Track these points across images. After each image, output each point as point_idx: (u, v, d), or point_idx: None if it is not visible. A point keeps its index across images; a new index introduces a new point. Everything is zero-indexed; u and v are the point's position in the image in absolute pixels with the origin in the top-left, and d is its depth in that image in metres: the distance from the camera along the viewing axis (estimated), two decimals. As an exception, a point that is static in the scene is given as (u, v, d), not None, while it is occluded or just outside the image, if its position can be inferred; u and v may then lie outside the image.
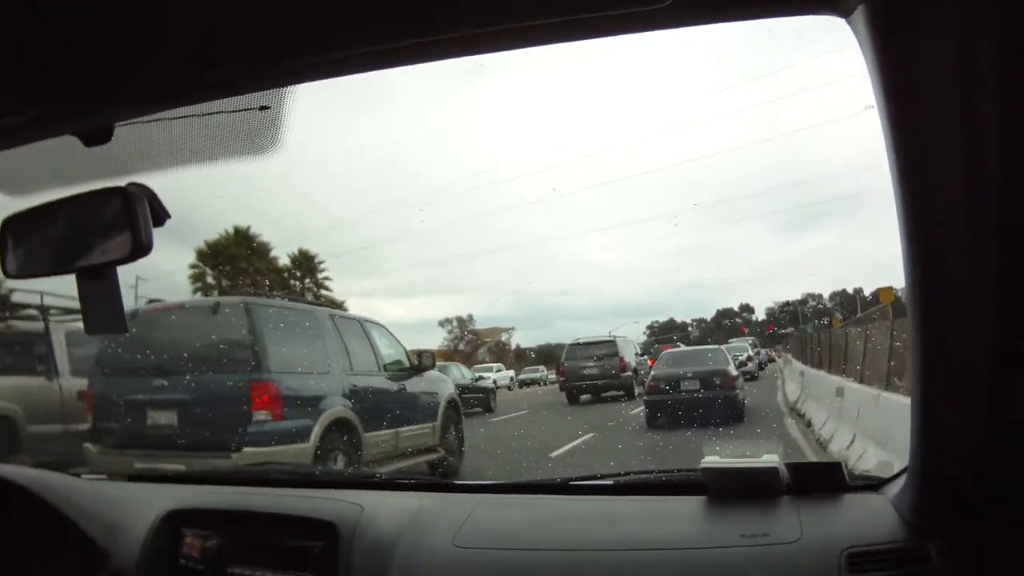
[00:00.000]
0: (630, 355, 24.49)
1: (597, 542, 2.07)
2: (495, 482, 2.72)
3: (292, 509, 2.30)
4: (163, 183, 1.65)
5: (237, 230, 48.15)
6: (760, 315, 73.10)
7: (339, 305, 43.60)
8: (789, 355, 35.10)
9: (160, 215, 1.59)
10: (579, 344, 24.71)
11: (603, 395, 23.75)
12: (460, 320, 57.30)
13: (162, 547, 2.30)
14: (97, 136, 1.61)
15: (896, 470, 2.04)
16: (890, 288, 17.25)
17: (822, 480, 2.19)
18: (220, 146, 1.70)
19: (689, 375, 16.68)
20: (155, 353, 9.48)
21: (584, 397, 23.85)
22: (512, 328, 60.89)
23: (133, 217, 1.54)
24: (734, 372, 17.24)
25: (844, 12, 1.30)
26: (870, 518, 1.97)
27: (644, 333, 48.75)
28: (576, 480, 2.60)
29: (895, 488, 2.01)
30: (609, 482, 2.54)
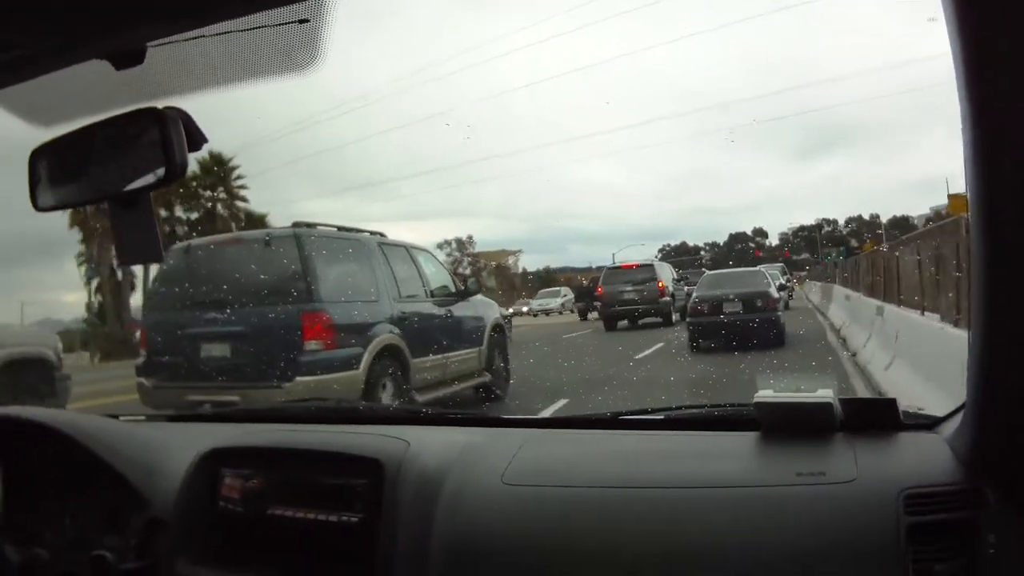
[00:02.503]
0: (668, 280, 24.29)
1: (648, 479, 2.02)
2: (543, 416, 2.68)
3: (335, 446, 2.26)
4: (195, 106, 1.60)
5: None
6: (774, 240, 72.46)
7: (260, 219, 43.53)
8: (816, 283, 34.59)
9: (196, 138, 1.54)
10: (617, 268, 24.74)
11: (640, 322, 23.65)
12: (459, 242, 56.27)
13: (200, 488, 2.27)
14: (129, 58, 1.54)
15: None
16: (959, 196, 16.05)
17: (876, 417, 2.12)
18: (257, 64, 1.63)
19: (731, 297, 16.53)
20: (207, 286, 9.69)
21: (621, 324, 23.81)
22: (519, 251, 60.54)
23: (167, 140, 1.50)
24: (775, 294, 17.09)
25: None
26: (926, 458, 1.91)
27: (656, 256, 48.32)
28: (626, 414, 2.54)
29: (951, 427, 1.94)
30: (660, 416, 2.48)
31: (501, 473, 2.09)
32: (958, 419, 1.86)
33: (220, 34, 1.53)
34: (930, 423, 2.09)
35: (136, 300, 45.12)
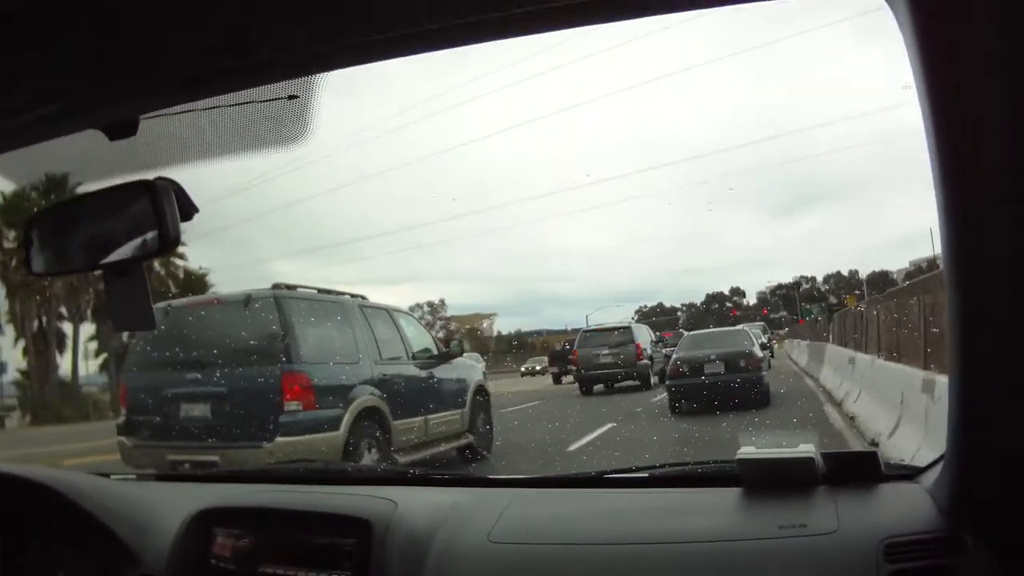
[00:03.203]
0: (646, 342, 23.23)
1: (634, 536, 2.05)
2: (529, 476, 2.70)
3: (324, 506, 2.29)
4: (187, 177, 1.64)
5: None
6: (752, 299, 72.30)
7: (200, 279, 42.52)
8: (797, 341, 32.12)
9: (188, 209, 1.57)
10: (593, 331, 23.81)
11: (616, 385, 22.81)
12: (432, 305, 55.62)
13: (193, 547, 2.28)
14: (122, 130, 1.58)
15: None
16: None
17: (858, 469, 2.16)
18: (248, 137, 1.68)
19: (713, 357, 16.03)
20: (188, 347, 9.66)
21: (597, 388, 22.90)
22: (494, 314, 59.70)
23: (160, 212, 1.52)
24: (759, 353, 16.52)
25: None
26: (907, 508, 1.95)
27: (633, 318, 47.93)
28: (610, 473, 2.57)
29: (931, 477, 1.98)
30: (644, 474, 2.52)
31: (488, 532, 2.10)
32: (938, 469, 1.90)
33: (211, 108, 1.58)
34: (911, 473, 2.13)
35: (67, 361, 44.11)
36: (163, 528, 2.38)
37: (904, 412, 9.15)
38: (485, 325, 58.78)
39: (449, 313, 56.75)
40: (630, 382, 22.25)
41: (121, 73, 1.42)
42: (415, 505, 2.23)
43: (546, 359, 43.67)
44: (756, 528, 2.00)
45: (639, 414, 16.46)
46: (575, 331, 26.52)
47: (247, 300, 9.74)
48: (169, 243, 1.54)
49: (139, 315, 1.68)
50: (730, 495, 2.16)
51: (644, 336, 23.43)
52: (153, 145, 1.68)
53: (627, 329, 23.08)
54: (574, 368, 23.72)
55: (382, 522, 2.11)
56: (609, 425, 14.06)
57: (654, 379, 22.17)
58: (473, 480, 2.97)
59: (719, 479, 2.30)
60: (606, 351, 22.06)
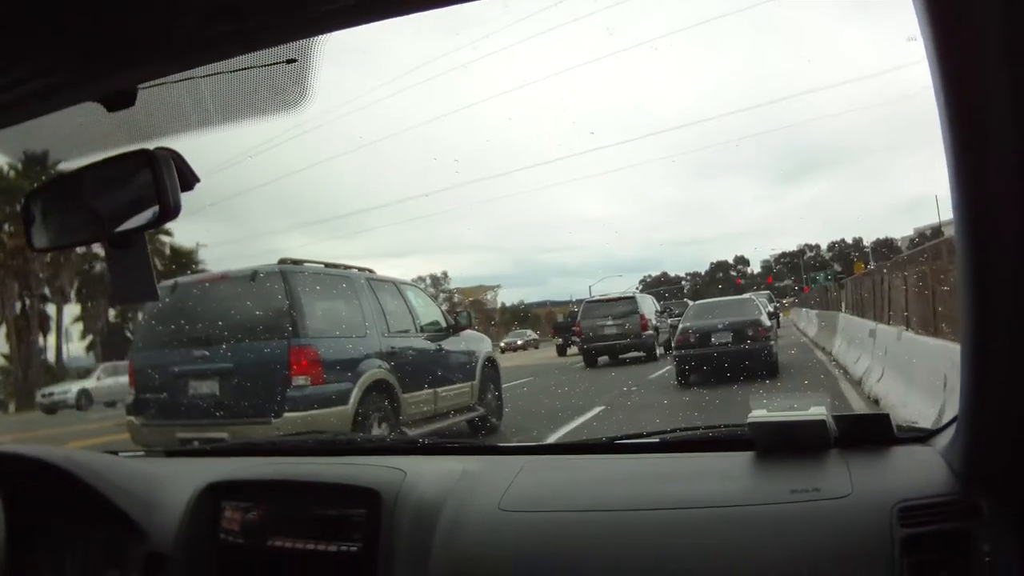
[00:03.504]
0: (651, 312, 22.84)
1: (644, 501, 2.04)
2: (539, 443, 2.70)
3: (333, 477, 2.28)
4: (187, 147, 1.62)
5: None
6: (756, 268, 72.07)
7: (187, 255, 41.82)
8: (804, 310, 31.23)
9: (188, 178, 1.55)
10: (596, 301, 23.46)
11: (621, 356, 22.59)
12: (434, 278, 55.17)
13: (201, 521, 2.29)
14: (120, 100, 1.56)
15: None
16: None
17: (870, 432, 2.15)
18: (248, 104, 1.66)
19: (720, 326, 15.76)
20: (195, 324, 9.71)
21: (602, 359, 22.70)
22: (498, 286, 59.80)
23: (160, 181, 1.51)
24: (767, 322, 16.21)
25: None
26: (920, 471, 1.94)
27: (637, 287, 47.75)
28: (621, 439, 2.57)
29: (944, 440, 1.97)
30: (655, 440, 2.51)
31: (498, 500, 2.10)
32: (951, 431, 1.88)
33: (210, 75, 1.56)
34: (924, 436, 2.12)
35: (51, 342, 43.91)
36: (172, 504, 2.38)
37: (950, 399, 7.22)
38: (489, 296, 58.86)
39: (452, 285, 56.71)
40: (635, 353, 22.05)
41: (114, 43, 1.40)
42: (424, 474, 2.23)
43: (530, 332, 43.40)
44: (768, 492, 1.99)
45: (635, 392, 15.54)
46: (579, 302, 26.05)
47: (254, 275, 9.73)
48: (170, 213, 1.52)
49: (141, 287, 1.67)
50: (742, 459, 2.15)
51: (649, 306, 23.11)
52: (153, 115, 1.66)
53: (631, 299, 22.79)
54: (578, 340, 23.47)
55: (391, 491, 2.11)
56: (597, 409, 12.79)
57: (659, 350, 22.01)
58: (483, 448, 2.96)
59: (731, 443, 2.30)
60: (610, 322, 21.82)
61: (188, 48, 1.43)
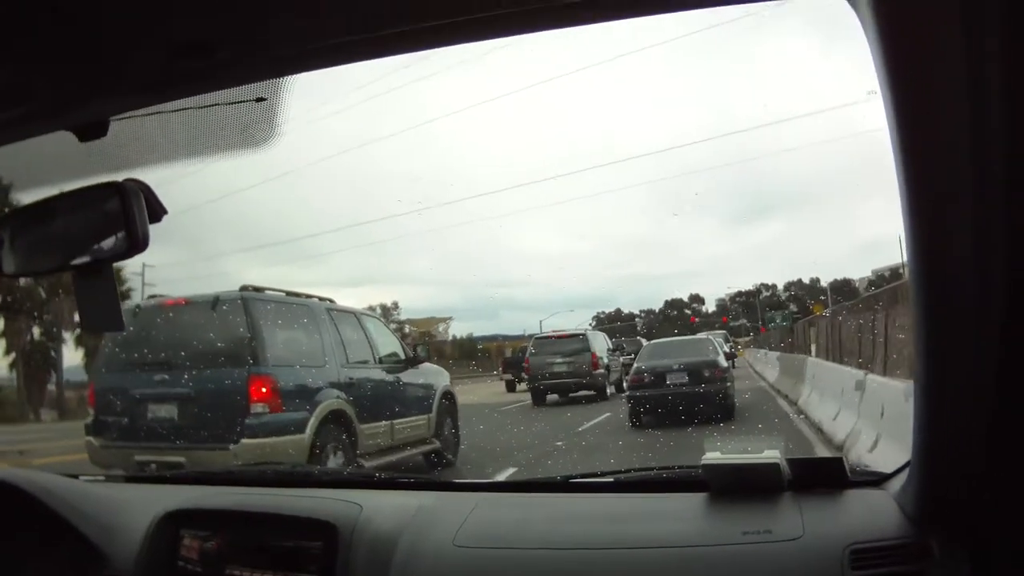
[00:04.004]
0: (602, 350, 22.18)
1: (598, 541, 2.06)
2: (495, 480, 2.72)
3: (291, 509, 2.29)
4: (158, 178, 1.65)
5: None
6: (711, 306, 72.03)
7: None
8: (763, 352, 29.44)
9: (157, 211, 1.57)
10: (546, 338, 22.66)
11: (572, 395, 21.52)
12: (384, 308, 54.25)
13: (160, 548, 2.29)
14: (92, 131, 1.59)
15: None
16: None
17: (824, 475, 2.18)
18: (217, 140, 1.69)
19: (676, 367, 15.29)
20: (156, 348, 9.64)
21: (551, 397, 21.69)
22: (450, 318, 58.98)
23: (129, 213, 1.52)
24: (724, 363, 15.88)
25: None
26: (873, 514, 1.96)
27: (590, 323, 47.32)
28: (576, 478, 2.59)
29: (897, 483, 2.00)
30: (609, 479, 2.53)
31: (453, 536, 2.12)
32: (904, 475, 1.92)
33: (180, 110, 1.59)
34: (877, 480, 2.15)
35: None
36: (131, 529, 2.38)
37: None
38: (440, 329, 58.22)
39: (404, 316, 56.12)
40: (586, 392, 21.24)
41: (88, 74, 1.43)
42: (380, 508, 2.24)
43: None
44: (721, 534, 2.02)
45: (583, 435, 14.19)
46: (532, 336, 25.12)
47: (215, 302, 9.69)
48: (138, 244, 1.53)
49: (108, 316, 1.68)
50: (695, 500, 2.17)
51: (600, 344, 22.59)
52: (124, 147, 1.69)
53: (583, 336, 22.21)
54: (526, 377, 22.64)
55: (347, 525, 2.13)
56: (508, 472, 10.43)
57: (611, 389, 21.44)
58: (438, 484, 2.97)
59: (684, 484, 2.32)
60: (560, 359, 21.16)
61: (160, 82, 1.46)
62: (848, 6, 1.27)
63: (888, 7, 1.20)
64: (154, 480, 3.66)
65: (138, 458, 9.01)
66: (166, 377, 9.46)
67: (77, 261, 1.62)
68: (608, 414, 16.06)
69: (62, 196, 1.64)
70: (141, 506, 2.47)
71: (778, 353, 24.86)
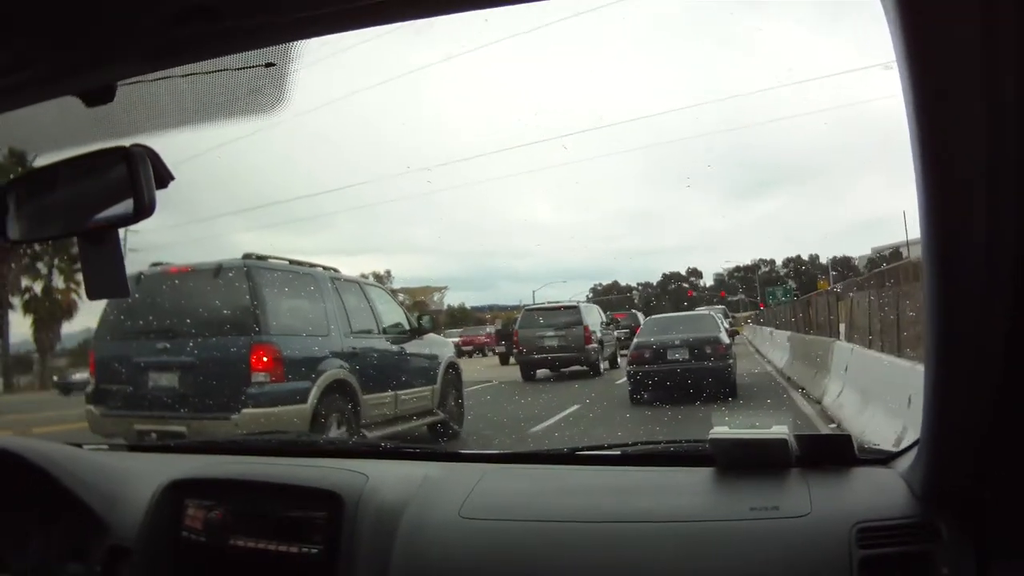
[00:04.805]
0: (596, 324, 21.20)
1: (604, 513, 2.05)
2: (501, 451, 2.71)
3: (296, 479, 2.29)
4: (166, 144, 1.63)
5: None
6: (709, 280, 71.92)
7: None
8: (768, 329, 27.62)
9: (163, 176, 1.55)
10: (536, 310, 21.72)
11: (564, 370, 20.79)
12: (377, 276, 54.29)
13: (164, 518, 2.28)
14: (99, 96, 1.56)
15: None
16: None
17: (832, 453, 2.17)
18: (225, 105, 1.67)
19: (677, 343, 14.99)
20: (158, 316, 9.63)
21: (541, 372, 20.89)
22: (445, 287, 59.18)
23: (136, 179, 1.51)
24: (726, 340, 15.46)
25: None
26: (880, 492, 1.95)
27: (587, 295, 47.04)
28: (583, 450, 2.58)
29: (905, 462, 1.99)
30: (616, 452, 2.53)
31: (459, 507, 2.11)
32: (913, 453, 1.91)
33: (189, 75, 1.57)
34: (885, 458, 2.14)
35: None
36: (134, 499, 2.37)
37: None
38: (435, 298, 58.19)
39: (397, 284, 55.90)
40: (578, 367, 20.43)
41: (94, 38, 1.40)
42: (386, 478, 2.24)
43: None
44: (727, 509, 2.02)
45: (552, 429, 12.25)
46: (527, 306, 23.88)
47: (218, 270, 9.67)
48: (144, 210, 1.52)
49: (113, 283, 1.66)
50: (702, 475, 2.17)
51: (594, 317, 21.61)
52: (131, 112, 1.67)
53: (575, 309, 21.20)
54: (516, 350, 21.55)
55: (353, 495, 2.12)
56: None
57: (604, 364, 20.87)
58: (445, 455, 2.97)
59: (691, 459, 2.31)
60: (551, 333, 20.32)
61: (167, 46, 1.44)
62: None
63: None
64: (157, 449, 3.66)
65: (138, 427, 9.05)
66: (168, 345, 9.46)
67: (83, 227, 1.61)
68: (577, 406, 14.54)
69: (68, 162, 1.62)
70: (145, 475, 2.47)
71: (788, 332, 22.36)
